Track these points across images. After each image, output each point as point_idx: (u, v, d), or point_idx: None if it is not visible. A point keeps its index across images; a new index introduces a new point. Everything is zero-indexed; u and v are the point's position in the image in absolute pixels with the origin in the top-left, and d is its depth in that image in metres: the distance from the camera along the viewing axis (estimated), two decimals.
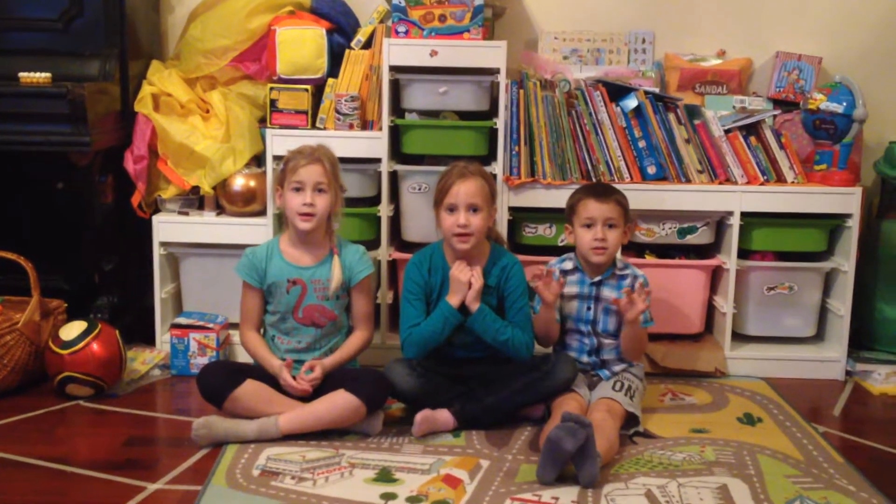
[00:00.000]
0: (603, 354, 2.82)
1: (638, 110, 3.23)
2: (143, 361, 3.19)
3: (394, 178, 3.25)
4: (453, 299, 2.70)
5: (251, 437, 2.56)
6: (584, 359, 2.83)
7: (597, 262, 2.79)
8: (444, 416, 2.67)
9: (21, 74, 3.06)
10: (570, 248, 2.95)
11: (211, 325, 3.17)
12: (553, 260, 2.92)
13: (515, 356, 2.75)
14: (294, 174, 2.72)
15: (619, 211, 2.78)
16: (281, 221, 3.09)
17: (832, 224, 3.25)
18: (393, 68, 3.15)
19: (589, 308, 2.81)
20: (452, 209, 2.74)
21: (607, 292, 2.80)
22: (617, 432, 2.54)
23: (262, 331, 2.84)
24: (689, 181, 3.22)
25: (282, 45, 3.27)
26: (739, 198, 3.18)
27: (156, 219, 3.27)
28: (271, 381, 2.68)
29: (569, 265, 2.85)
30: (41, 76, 3.06)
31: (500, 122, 3.16)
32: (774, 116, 3.39)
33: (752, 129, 3.28)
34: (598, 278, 2.81)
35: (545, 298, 2.74)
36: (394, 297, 3.26)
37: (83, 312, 3.21)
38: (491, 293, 2.80)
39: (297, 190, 2.71)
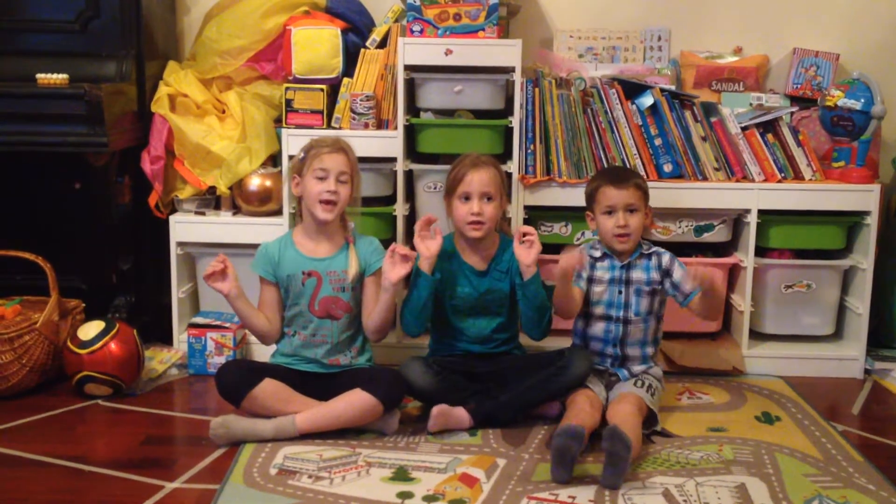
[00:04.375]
0: (627, 347, 2.80)
1: (654, 108, 3.22)
2: (160, 361, 3.20)
3: (409, 177, 3.26)
4: (422, 265, 2.74)
5: (268, 436, 2.56)
6: (608, 350, 2.81)
7: (621, 250, 2.78)
8: (460, 413, 2.67)
9: (38, 76, 3.08)
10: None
11: (228, 325, 3.18)
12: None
13: (542, 328, 2.80)
14: (318, 161, 2.71)
15: (638, 195, 2.77)
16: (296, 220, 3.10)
17: (850, 221, 3.23)
18: (408, 67, 3.15)
19: (620, 292, 2.80)
20: (467, 198, 2.76)
21: (637, 274, 2.79)
22: (640, 429, 2.54)
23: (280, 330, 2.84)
24: (705, 179, 3.21)
25: (297, 45, 3.28)
26: (756, 195, 3.17)
27: (172, 219, 3.29)
28: (289, 380, 2.68)
29: (597, 252, 2.84)
30: (58, 77, 3.08)
31: (516, 121, 3.16)
32: (792, 113, 3.38)
33: (769, 127, 3.26)
34: (626, 261, 2.80)
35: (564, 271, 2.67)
36: None
37: (101, 312, 3.23)
38: (503, 279, 2.83)
39: (321, 178, 2.71)
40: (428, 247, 2.73)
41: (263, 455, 2.49)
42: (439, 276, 2.78)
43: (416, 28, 3.15)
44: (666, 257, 2.80)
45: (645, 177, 3.12)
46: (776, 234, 3.23)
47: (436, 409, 2.63)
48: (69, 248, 3.34)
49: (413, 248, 2.76)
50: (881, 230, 3.34)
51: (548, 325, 2.82)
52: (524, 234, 2.73)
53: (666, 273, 2.79)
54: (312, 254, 2.77)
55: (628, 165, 3.18)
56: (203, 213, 3.32)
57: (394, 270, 2.68)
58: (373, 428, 2.65)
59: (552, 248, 3.23)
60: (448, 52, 3.12)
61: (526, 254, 2.72)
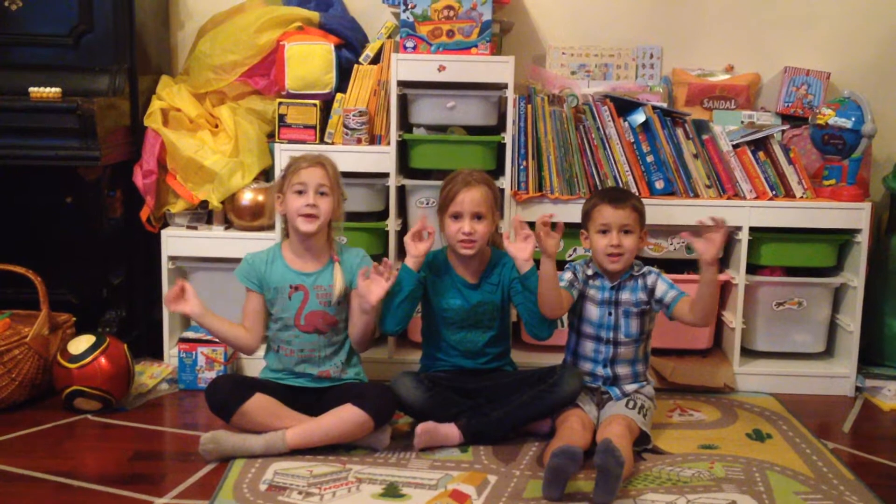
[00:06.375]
0: (617, 367, 2.80)
1: (646, 125, 3.23)
2: (150, 375, 3.19)
3: (402, 192, 3.26)
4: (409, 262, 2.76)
5: (258, 451, 2.55)
6: (599, 370, 2.80)
7: (612, 270, 2.78)
8: (449, 430, 2.66)
9: (31, 89, 3.08)
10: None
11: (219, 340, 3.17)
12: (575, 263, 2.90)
13: (548, 322, 2.78)
14: (296, 176, 2.72)
15: (634, 216, 2.77)
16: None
17: (841, 239, 3.24)
18: (401, 83, 3.16)
19: (610, 314, 2.79)
20: (457, 217, 2.76)
21: (626, 296, 2.79)
22: (632, 450, 2.54)
23: (266, 341, 2.84)
24: (697, 196, 3.22)
25: (290, 60, 3.28)
26: (748, 213, 3.18)
27: (164, 233, 3.28)
28: (280, 395, 2.67)
29: (590, 270, 2.84)
30: (51, 91, 3.08)
31: (508, 137, 3.16)
32: (783, 131, 3.39)
33: (760, 144, 3.28)
34: (617, 282, 2.80)
35: (545, 249, 2.65)
36: None
37: (91, 326, 3.22)
38: (495, 291, 2.84)
39: (300, 192, 2.72)
40: (416, 246, 2.75)
41: (253, 471, 2.48)
42: (423, 275, 2.78)
43: (410, 44, 3.16)
44: (652, 276, 2.81)
45: (636, 194, 3.13)
46: (767, 252, 3.23)
47: (420, 428, 2.62)
48: (60, 262, 3.33)
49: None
50: (872, 248, 3.35)
51: (553, 320, 2.81)
52: (522, 232, 2.74)
53: (651, 291, 2.79)
54: (300, 268, 2.77)
55: (620, 182, 3.19)
56: (195, 228, 3.32)
57: (372, 290, 2.66)
58: (364, 444, 2.64)
59: None
60: (441, 69, 3.13)
61: (522, 248, 2.73)
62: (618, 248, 2.74)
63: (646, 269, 2.83)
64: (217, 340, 3.13)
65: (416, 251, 2.74)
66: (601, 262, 2.79)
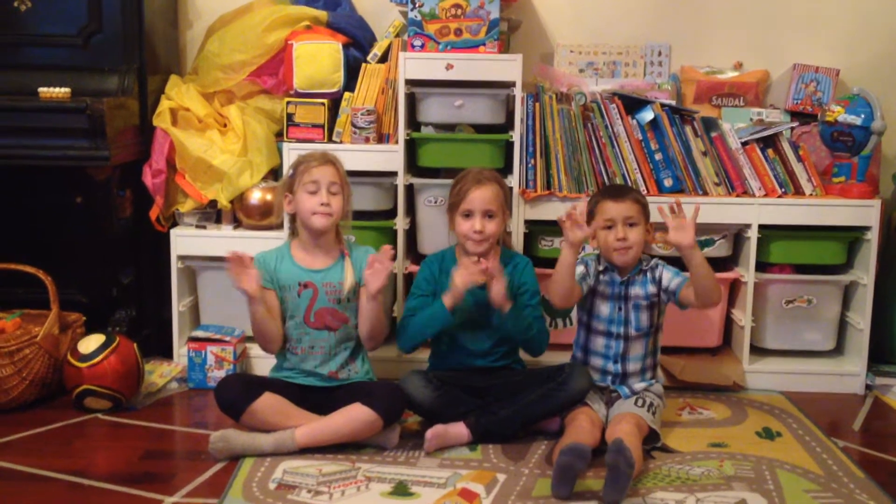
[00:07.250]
0: (628, 364, 2.80)
1: (654, 123, 3.22)
2: (160, 374, 3.20)
3: (410, 191, 3.26)
4: (446, 299, 2.70)
5: (268, 450, 2.56)
6: (609, 366, 2.80)
7: (621, 263, 2.77)
8: (458, 429, 2.66)
9: (41, 89, 3.09)
10: None
11: (228, 339, 3.17)
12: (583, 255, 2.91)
13: (537, 349, 2.84)
14: (308, 175, 2.72)
15: (637, 208, 2.77)
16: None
17: (851, 237, 3.23)
18: (409, 82, 3.16)
19: (620, 308, 2.79)
20: (468, 215, 2.76)
21: (636, 290, 2.79)
22: (641, 448, 2.53)
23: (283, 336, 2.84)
24: (706, 194, 3.21)
25: (299, 59, 3.29)
26: (757, 210, 3.17)
27: (173, 232, 3.29)
28: (289, 394, 2.68)
29: (601, 266, 2.84)
30: (61, 91, 3.09)
31: (516, 135, 3.16)
32: (792, 129, 3.38)
33: (769, 142, 3.27)
34: (626, 277, 2.80)
35: (570, 238, 2.63)
36: None
37: (101, 325, 3.23)
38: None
39: (312, 192, 2.72)
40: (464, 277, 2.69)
41: (263, 469, 2.48)
42: (455, 321, 2.76)
43: (417, 43, 3.16)
44: (659, 268, 2.81)
45: (645, 192, 3.13)
46: (777, 249, 3.22)
47: (430, 432, 2.62)
48: (70, 261, 3.34)
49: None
50: (882, 246, 3.34)
51: (539, 340, 2.82)
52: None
53: (660, 282, 2.79)
54: (309, 265, 2.77)
55: (629, 180, 3.19)
56: (204, 227, 3.33)
57: (371, 282, 2.68)
58: (373, 442, 2.64)
59: (552, 262, 3.23)
60: (449, 67, 3.13)
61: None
62: (624, 242, 2.74)
63: (654, 261, 2.83)
64: (227, 340, 3.15)
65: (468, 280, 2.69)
66: (610, 258, 2.79)
